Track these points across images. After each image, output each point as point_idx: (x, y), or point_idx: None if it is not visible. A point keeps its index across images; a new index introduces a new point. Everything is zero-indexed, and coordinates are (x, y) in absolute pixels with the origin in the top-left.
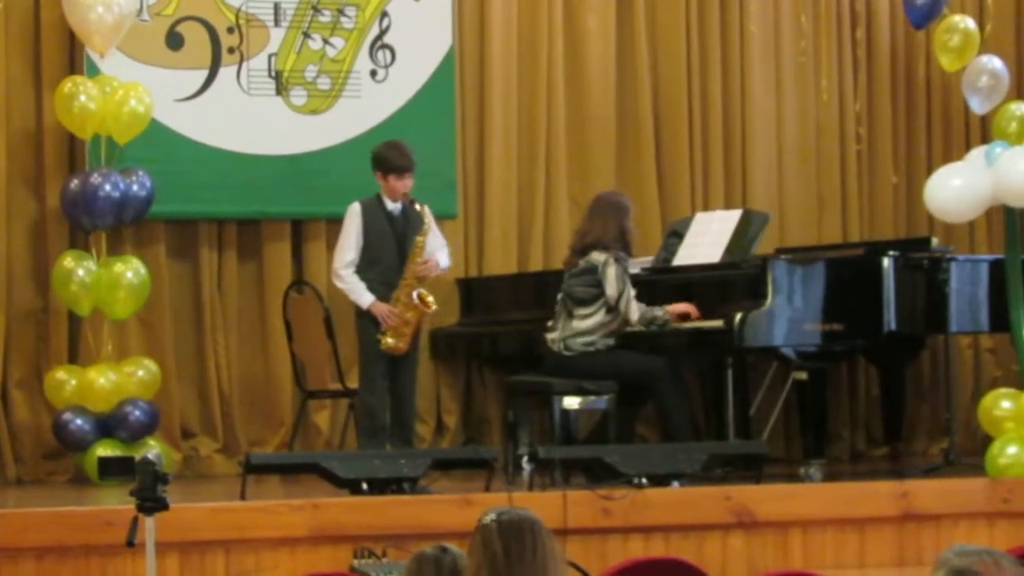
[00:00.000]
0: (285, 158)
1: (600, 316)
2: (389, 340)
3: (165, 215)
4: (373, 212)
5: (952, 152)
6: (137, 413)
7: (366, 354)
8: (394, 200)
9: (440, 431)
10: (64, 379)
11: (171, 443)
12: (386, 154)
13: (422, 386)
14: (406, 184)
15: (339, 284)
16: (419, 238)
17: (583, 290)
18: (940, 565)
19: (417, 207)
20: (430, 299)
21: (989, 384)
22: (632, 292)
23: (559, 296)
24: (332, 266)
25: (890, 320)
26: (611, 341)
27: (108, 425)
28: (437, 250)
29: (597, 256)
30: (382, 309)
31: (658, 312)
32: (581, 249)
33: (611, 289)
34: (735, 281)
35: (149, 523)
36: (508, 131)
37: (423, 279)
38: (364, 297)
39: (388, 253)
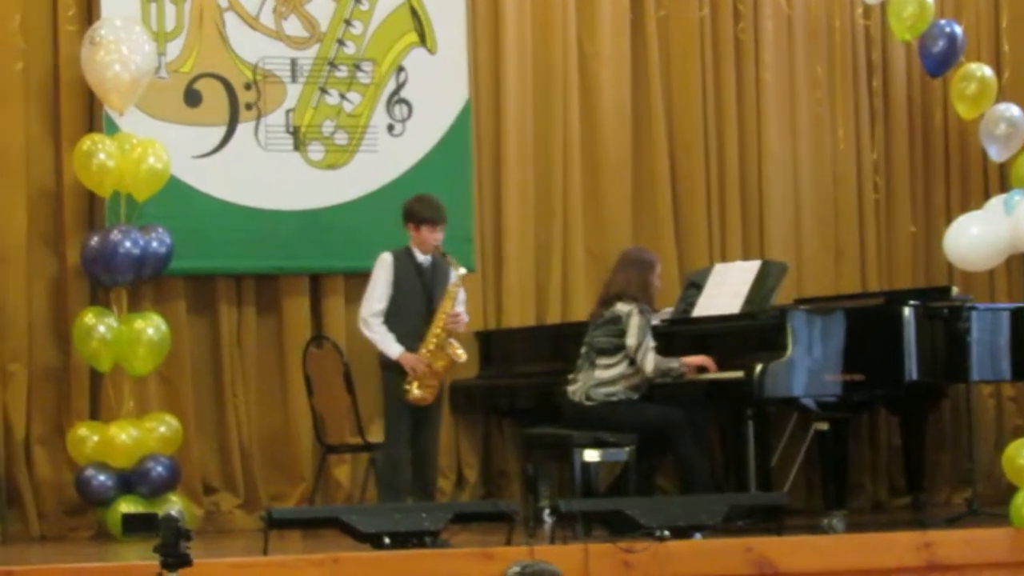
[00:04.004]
0: (303, 213)
1: (623, 367)
2: (416, 391)
3: (184, 271)
4: (403, 263)
5: (970, 201)
6: (159, 469)
7: (391, 406)
8: (424, 252)
9: (460, 484)
10: (86, 435)
11: (192, 499)
12: (417, 207)
13: (442, 440)
14: (437, 236)
15: (367, 333)
16: (451, 288)
17: (606, 340)
18: None
19: (448, 259)
20: (460, 350)
21: (1012, 433)
22: (651, 344)
23: (582, 349)
24: (360, 314)
25: (911, 369)
26: (634, 395)
27: (130, 481)
28: (459, 304)
29: (622, 307)
30: (411, 359)
31: (674, 364)
32: (605, 300)
33: (631, 339)
34: (754, 332)
35: None
36: (525, 184)
37: (452, 332)
38: (393, 347)
39: (416, 304)
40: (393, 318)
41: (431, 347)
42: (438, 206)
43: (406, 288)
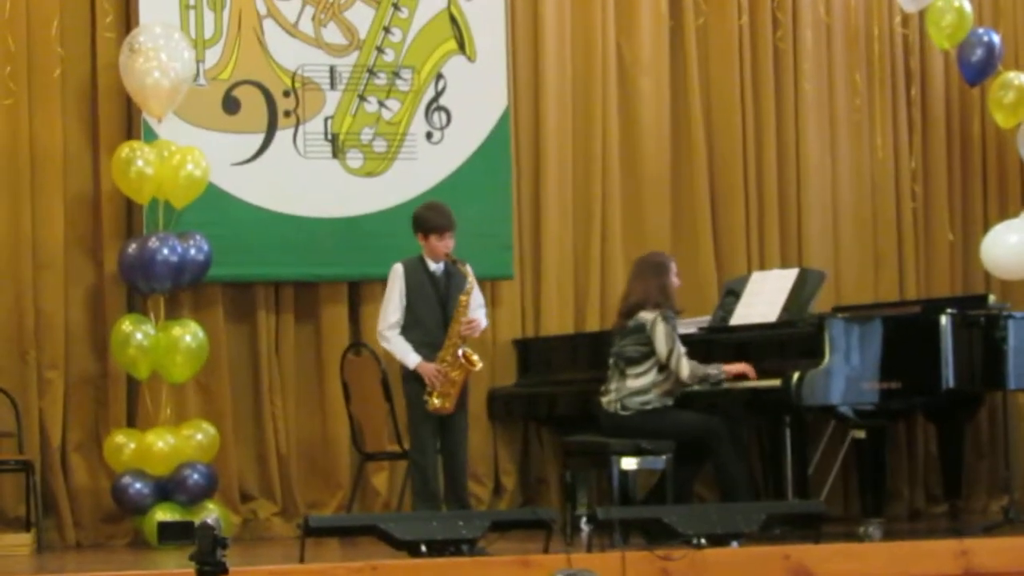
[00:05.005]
0: (342, 220)
1: (653, 375)
2: (435, 401)
3: (222, 278)
4: (415, 273)
5: (1008, 209)
6: (196, 476)
7: (415, 416)
8: (436, 260)
9: (498, 492)
10: (123, 443)
11: (229, 506)
12: (425, 215)
13: (479, 447)
14: (447, 244)
15: (385, 345)
16: (463, 297)
17: (633, 349)
18: None
19: (460, 266)
20: (475, 358)
21: None
22: (682, 349)
23: (610, 360)
24: (377, 328)
25: (948, 377)
26: (669, 401)
27: (167, 489)
28: (475, 309)
29: (645, 315)
30: (428, 369)
31: (712, 370)
32: (626, 311)
33: (661, 347)
34: (792, 340)
35: None
36: (563, 192)
37: (467, 339)
38: (410, 357)
39: (431, 313)
40: (411, 329)
41: (447, 357)
42: (446, 213)
43: (420, 298)
